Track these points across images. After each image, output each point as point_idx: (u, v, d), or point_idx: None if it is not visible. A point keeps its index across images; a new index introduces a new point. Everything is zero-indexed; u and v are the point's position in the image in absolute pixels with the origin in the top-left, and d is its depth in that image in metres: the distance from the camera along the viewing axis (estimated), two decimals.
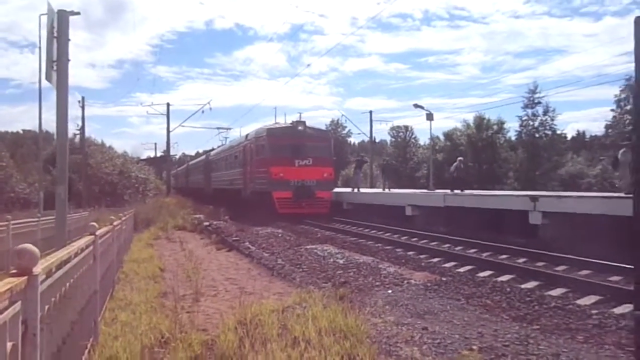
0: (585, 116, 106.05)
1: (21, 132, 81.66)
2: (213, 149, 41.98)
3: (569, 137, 60.55)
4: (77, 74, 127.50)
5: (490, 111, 61.71)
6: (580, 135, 66.69)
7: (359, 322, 5.05)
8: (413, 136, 68.94)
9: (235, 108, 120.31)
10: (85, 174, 39.27)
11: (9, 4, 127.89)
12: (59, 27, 7.94)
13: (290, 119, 26.54)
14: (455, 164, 21.94)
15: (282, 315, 5.43)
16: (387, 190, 26.42)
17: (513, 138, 54.32)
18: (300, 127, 23.25)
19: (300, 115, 29.20)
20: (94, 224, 5.08)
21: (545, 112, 50.19)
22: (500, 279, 8.46)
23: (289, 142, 22.46)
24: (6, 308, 1.85)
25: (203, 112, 40.80)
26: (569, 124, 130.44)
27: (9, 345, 1.84)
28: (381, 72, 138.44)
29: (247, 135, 26.30)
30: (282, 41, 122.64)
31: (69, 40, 8.11)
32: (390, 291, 7.46)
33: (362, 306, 6.26)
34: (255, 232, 16.54)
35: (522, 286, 7.78)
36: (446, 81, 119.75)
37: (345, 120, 62.09)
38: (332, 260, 10.52)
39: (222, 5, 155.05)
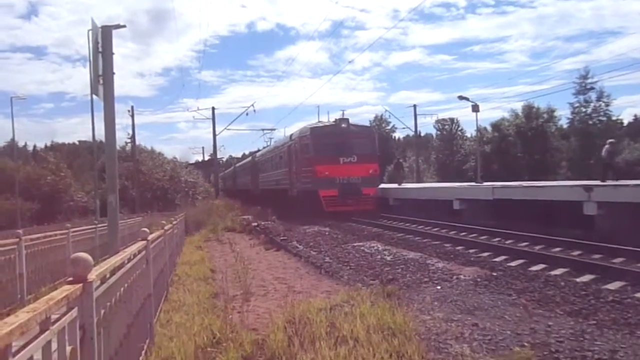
0: None
1: (77, 143, 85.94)
2: (259, 150, 42.54)
3: (626, 122, 57.87)
4: (126, 84, 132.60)
5: (540, 99, 59.47)
6: (637, 120, 63.54)
7: (407, 319, 5.02)
8: (460, 128, 67.62)
9: (279, 108, 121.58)
10: (137, 181, 40.67)
11: (61, 19, 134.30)
12: (103, 42, 8.25)
13: (334, 116, 26.47)
14: (606, 147, 17.82)
15: (330, 313, 5.46)
16: (400, 186, 26.35)
17: (565, 126, 52.45)
18: (343, 125, 23.26)
19: (343, 113, 29.04)
20: (146, 229, 5.28)
21: (599, 98, 48.10)
22: (553, 272, 8.20)
23: (333, 140, 22.51)
24: (64, 314, 1.97)
25: (247, 114, 41.30)
26: (625, 109, 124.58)
27: (68, 349, 1.95)
28: (425, 65, 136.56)
29: (291, 135, 26.53)
30: (324, 39, 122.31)
31: (113, 54, 8.41)
32: (439, 287, 7.38)
33: (411, 303, 6.22)
34: (302, 231, 16.70)
35: (577, 280, 7.53)
36: (493, 70, 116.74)
37: (390, 116, 61.38)
38: (379, 257, 10.50)
39: (263, 7, 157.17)
